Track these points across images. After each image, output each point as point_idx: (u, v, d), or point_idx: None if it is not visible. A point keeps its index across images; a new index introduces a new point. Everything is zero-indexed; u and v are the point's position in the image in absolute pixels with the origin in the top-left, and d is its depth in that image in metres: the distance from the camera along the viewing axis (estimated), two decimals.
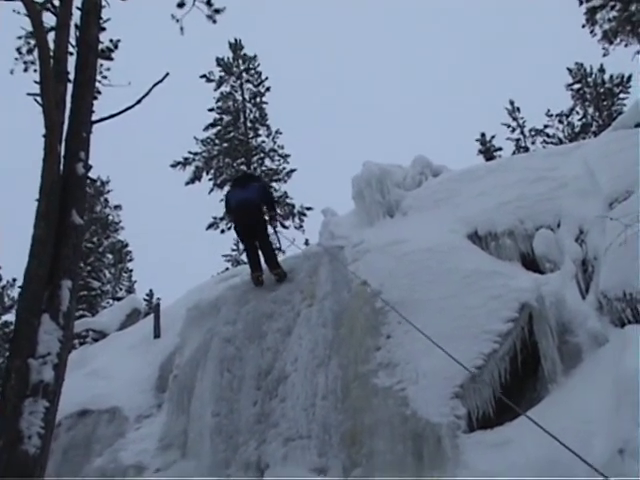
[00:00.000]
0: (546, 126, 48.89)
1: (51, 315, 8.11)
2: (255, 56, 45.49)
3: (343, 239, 16.11)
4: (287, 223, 41.61)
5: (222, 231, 41.08)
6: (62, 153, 9.22)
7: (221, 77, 44.71)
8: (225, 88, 44.73)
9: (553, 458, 9.02)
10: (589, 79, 47.78)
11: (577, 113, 48.54)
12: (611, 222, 12.22)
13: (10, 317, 44.60)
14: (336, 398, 12.35)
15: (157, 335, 19.00)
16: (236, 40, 45.51)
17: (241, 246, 34.04)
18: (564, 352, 11.33)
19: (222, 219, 39.92)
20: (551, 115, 48.80)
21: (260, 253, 16.11)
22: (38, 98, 9.19)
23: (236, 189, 16.57)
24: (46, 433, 7.54)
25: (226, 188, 41.21)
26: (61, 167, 9.11)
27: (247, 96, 44.81)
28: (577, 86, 48.20)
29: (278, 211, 17.20)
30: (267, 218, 16.52)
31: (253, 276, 16.09)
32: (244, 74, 45.10)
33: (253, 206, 15.88)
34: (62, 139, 9.30)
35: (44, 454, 7.51)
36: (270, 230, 16.63)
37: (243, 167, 41.99)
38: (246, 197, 15.91)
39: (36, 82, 9.32)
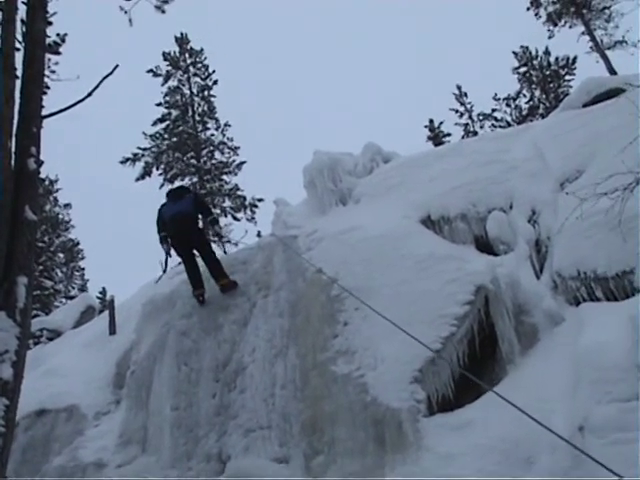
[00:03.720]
0: (494, 110, 49.17)
1: (7, 312, 7.99)
2: (202, 50, 45.30)
3: (296, 228, 16.09)
4: (239, 215, 41.57)
5: None
6: (13, 149, 9.13)
7: (168, 71, 44.44)
8: (172, 82, 44.48)
9: (515, 437, 9.13)
10: (535, 62, 48.07)
11: (524, 96, 48.82)
12: (564, 201, 12.33)
13: None
14: (295, 387, 12.35)
15: (112, 332, 18.87)
16: (182, 34, 45.33)
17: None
18: (521, 333, 11.40)
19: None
20: (498, 99, 49.05)
21: (204, 263, 15.60)
22: None
23: (168, 204, 15.93)
24: (7, 431, 7.42)
25: (177, 183, 41.06)
26: (12, 163, 9.02)
27: (195, 90, 44.59)
28: (523, 69, 48.48)
29: (215, 215, 16.62)
30: (206, 224, 16.27)
31: (195, 294, 15.49)
32: (191, 68, 44.89)
33: (188, 218, 15.47)
34: (12, 135, 9.21)
35: (5, 453, 7.40)
36: (209, 238, 16.12)
37: (193, 161, 41.84)
38: (180, 210, 15.44)
39: None
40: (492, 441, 9.38)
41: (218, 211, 39.97)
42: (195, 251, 15.46)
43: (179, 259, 16.50)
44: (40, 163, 9.43)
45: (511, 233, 13.29)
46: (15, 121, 9.35)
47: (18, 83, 9.64)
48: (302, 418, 11.83)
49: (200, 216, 16.29)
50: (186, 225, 15.38)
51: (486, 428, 9.63)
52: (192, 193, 16.77)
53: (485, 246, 13.64)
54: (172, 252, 15.80)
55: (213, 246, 16.48)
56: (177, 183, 40.98)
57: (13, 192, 8.74)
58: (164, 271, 16.14)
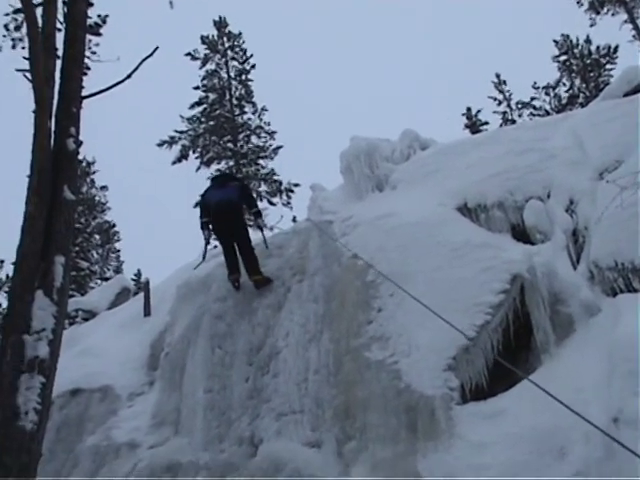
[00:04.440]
0: (533, 98, 48.76)
1: (45, 291, 8.05)
2: (240, 33, 45.21)
3: (332, 214, 16.07)
4: (275, 200, 41.58)
5: None
6: (52, 129, 9.16)
7: (206, 55, 44.39)
8: (210, 66, 44.42)
9: (548, 427, 9.07)
10: (575, 50, 47.63)
11: (564, 85, 48.41)
12: (602, 191, 12.22)
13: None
14: (328, 372, 12.35)
15: (147, 313, 18.95)
16: (220, 18, 45.27)
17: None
18: (556, 322, 11.30)
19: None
20: (538, 87, 48.64)
21: (240, 256, 15.38)
22: (28, 74, 9.11)
23: (214, 189, 15.78)
24: (43, 409, 7.50)
25: (213, 166, 41.23)
26: (52, 143, 9.05)
27: (232, 74, 44.48)
28: (563, 58, 48.06)
29: (259, 208, 16.33)
30: (250, 217, 16.17)
31: (231, 278, 15.39)
32: (229, 52, 44.80)
33: (234, 206, 15.29)
34: (52, 115, 9.24)
35: (41, 430, 7.47)
36: (250, 232, 15.97)
37: (230, 145, 41.87)
38: (226, 197, 15.24)
39: (25, 58, 9.23)
40: (524, 430, 9.33)
41: (254, 195, 39.99)
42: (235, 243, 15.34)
43: (216, 242, 16.48)
44: (79, 143, 9.47)
45: (548, 222, 13.18)
46: (55, 101, 9.40)
47: (59, 63, 9.68)
48: (335, 403, 11.82)
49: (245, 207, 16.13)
50: (231, 213, 15.20)
51: (519, 417, 9.58)
52: (239, 182, 16.74)
53: (522, 235, 13.53)
54: (211, 240, 15.83)
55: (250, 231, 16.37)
56: (213, 167, 41.20)
57: (52, 172, 8.79)
58: (203, 257, 16.13)
